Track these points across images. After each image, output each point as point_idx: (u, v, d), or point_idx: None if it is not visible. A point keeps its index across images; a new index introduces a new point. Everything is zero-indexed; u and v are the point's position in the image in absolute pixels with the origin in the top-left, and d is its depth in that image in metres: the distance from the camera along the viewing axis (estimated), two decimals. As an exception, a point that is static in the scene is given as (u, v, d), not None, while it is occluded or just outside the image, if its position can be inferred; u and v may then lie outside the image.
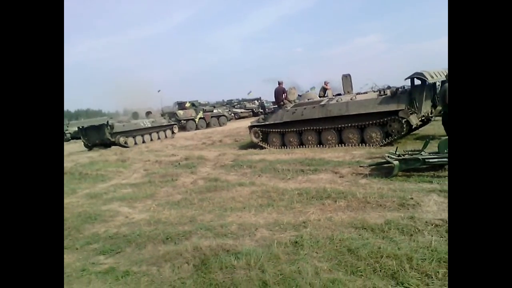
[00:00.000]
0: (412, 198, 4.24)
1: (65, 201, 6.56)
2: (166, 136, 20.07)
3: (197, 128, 25.60)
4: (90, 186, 7.99)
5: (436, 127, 11.02)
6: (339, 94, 11.25)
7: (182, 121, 25.17)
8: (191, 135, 20.14)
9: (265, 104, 39.63)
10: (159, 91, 38.22)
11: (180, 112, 25.61)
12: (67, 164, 12.03)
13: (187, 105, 26.91)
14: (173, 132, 20.81)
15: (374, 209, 4.15)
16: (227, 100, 42.19)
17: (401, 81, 9.19)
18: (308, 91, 16.14)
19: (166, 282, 3.00)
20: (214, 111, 28.35)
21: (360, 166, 6.29)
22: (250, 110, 37.32)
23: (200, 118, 26.42)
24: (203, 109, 27.34)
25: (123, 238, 4.16)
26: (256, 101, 41.57)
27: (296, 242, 3.39)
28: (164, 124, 20.49)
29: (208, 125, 26.71)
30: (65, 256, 3.85)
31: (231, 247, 3.41)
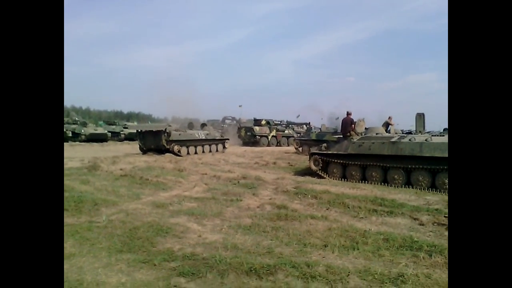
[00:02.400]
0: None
1: (132, 206, 6.59)
2: (217, 150, 20.21)
3: (268, 145, 26.99)
4: (152, 193, 8.02)
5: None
6: (410, 132, 10.75)
7: (256, 136, 26.68)
8: (241, 152, 20.14)
9: (313, 130, 39.55)
10: (240, 106, 41.83)
11: (257, 128, 27.18)
12: (126, 166, 12.32)
13: (263, 122, 28.54)
14: (224, 147, 20.93)
15: (479, 273, 3.69)
16: (275, 121, 42.32)
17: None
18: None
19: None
20: (285, 131, 29.66)
21: (445, 216, 5.79)
22: (298, 134, 37.18)
23: (272, 136, 27.68)
24: (276, 128, 28.58)
25: (201, 260, 3.98)
26: (304, 126, 41.16)
27: (402, 301, 3.03)
28: (217, 137, 20.67)
29: (278, 144, 27.90)
30: (144, 272, 3.73)
31: (330, 295, 3.12)
